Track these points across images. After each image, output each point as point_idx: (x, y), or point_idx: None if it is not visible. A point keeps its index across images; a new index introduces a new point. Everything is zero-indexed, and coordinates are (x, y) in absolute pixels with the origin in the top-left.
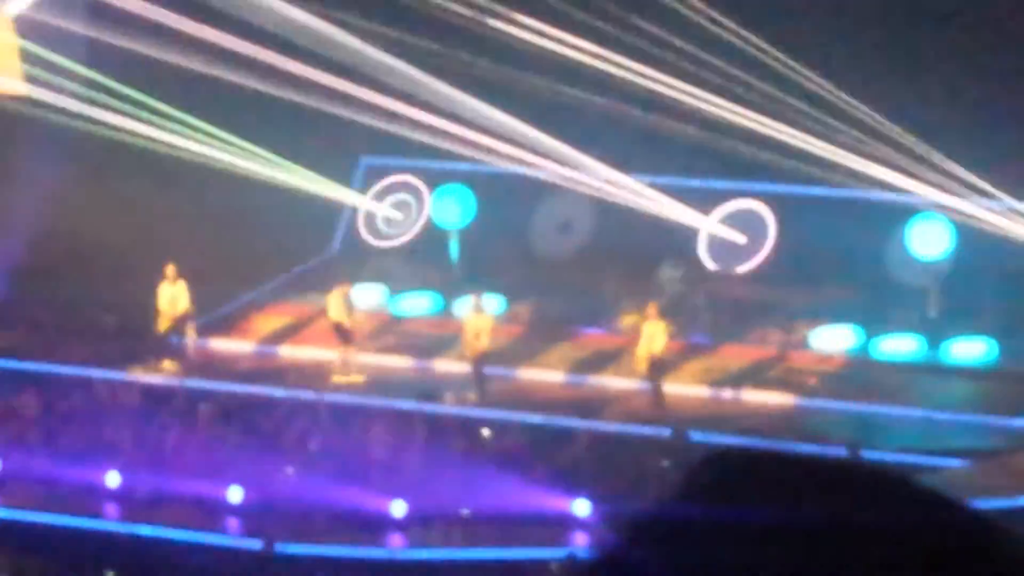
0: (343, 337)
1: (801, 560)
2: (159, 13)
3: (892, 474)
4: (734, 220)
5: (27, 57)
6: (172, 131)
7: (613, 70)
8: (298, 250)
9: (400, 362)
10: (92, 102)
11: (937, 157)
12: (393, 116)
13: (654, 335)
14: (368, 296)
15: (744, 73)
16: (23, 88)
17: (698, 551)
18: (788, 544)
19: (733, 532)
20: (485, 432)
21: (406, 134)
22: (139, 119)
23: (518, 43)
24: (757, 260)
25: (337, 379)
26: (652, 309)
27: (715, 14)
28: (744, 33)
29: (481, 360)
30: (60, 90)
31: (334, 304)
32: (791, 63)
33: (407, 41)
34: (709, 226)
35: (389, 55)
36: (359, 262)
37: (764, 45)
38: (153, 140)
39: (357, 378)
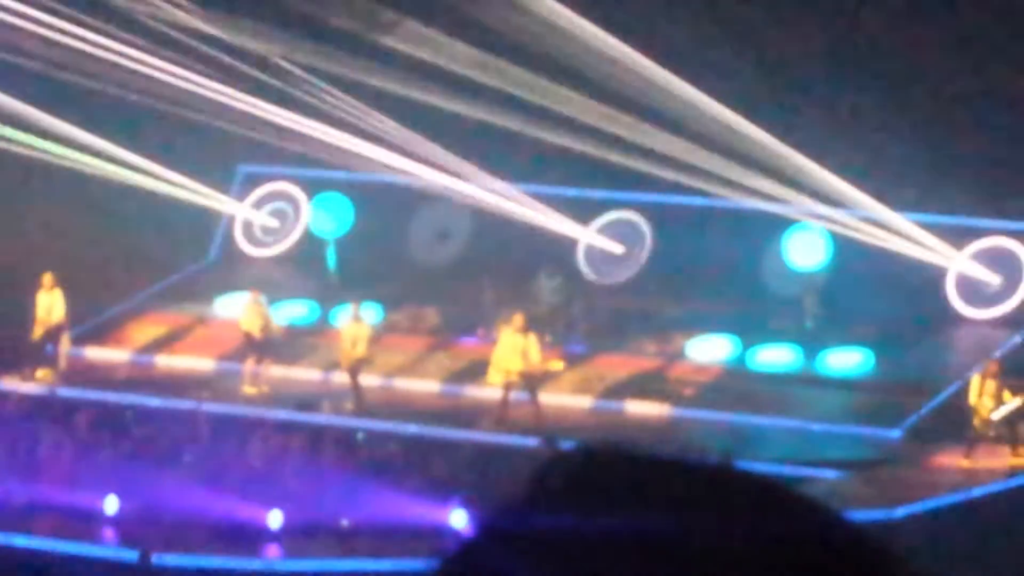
0: (254, 348)
1: (665, 569)
2: (28, 13)
3: (767, 482)
4: (612, 230)
5: None
6: (46, 138)
7: (491, 78)
8: (174, 258)
9: (277, 371)
10: None
11: (813, 167)
12: (270, 124)
13: (524, 347)
14: (245, 306)
15: (622, 82)
16: None
17: (554, 552)
18: (649, 550)
19: (592, 534)
20: (359, 436)
21: (283, 143)
22: (11, 126)
23: (397, 49)
24: (634, 270)
25: (248, 390)
26: (518, 320)
27: (589, 22)
28: (620, 40)
29: (357, 369)
30: None
31: (246, 314)
32: (666, 72)
33: (289, 47)
34: (587, 236)
35: (269, 62)
36: (236, 271)
37: (639, 53)
38: (27, 147)
39: (265, 389)
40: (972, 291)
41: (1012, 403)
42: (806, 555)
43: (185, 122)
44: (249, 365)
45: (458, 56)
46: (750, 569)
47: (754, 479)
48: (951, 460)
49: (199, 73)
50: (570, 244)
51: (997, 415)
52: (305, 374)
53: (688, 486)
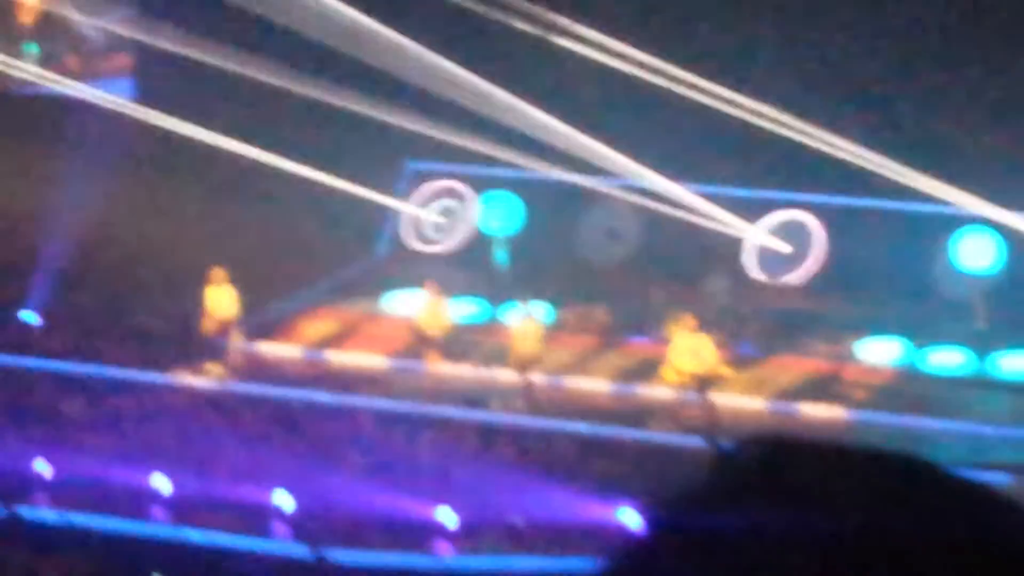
0: (429, 345)
1: (853, 564)
2: (208, 21)
3: (958, 478)
4: (782, 231)
5: (78, 61)
6: (220, 136)
7: (661, 79)
8: (342, 254)
9: (449, 369)
10: (143, 105)
11: (985, 169)
12: (440, 120)
13: (696, 347)
14: (415, 303)
15: (790, 81)
16: (75, 91)
17: (728, 552)
18: (836, 545)
19: (771, 531)
20: (530, 434)
21: (453, 139)
22: (188, 123)
23: (566, 50)
24: (804, 271)
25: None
26: (689, 321)
27: (759, 24)
28: (790, 40)
29: (527, 367)
30: (110, 94)
31: (426, 310)
32: (838, 71)
33: (455, 45)
34: (756, 236)
35: (438, 59)
36: (404, 267)
37: (810, 53)
38: (200, 145)
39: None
40: None
41: None
42: (1003, 551)
43: (354, 118)
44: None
45: (626, 57)
46: (945, 565)
47: (947, 474)
48: None
49: (368, 71)
50: (739, 244)
51: None
52: (475, 371)
53: (874, 479)
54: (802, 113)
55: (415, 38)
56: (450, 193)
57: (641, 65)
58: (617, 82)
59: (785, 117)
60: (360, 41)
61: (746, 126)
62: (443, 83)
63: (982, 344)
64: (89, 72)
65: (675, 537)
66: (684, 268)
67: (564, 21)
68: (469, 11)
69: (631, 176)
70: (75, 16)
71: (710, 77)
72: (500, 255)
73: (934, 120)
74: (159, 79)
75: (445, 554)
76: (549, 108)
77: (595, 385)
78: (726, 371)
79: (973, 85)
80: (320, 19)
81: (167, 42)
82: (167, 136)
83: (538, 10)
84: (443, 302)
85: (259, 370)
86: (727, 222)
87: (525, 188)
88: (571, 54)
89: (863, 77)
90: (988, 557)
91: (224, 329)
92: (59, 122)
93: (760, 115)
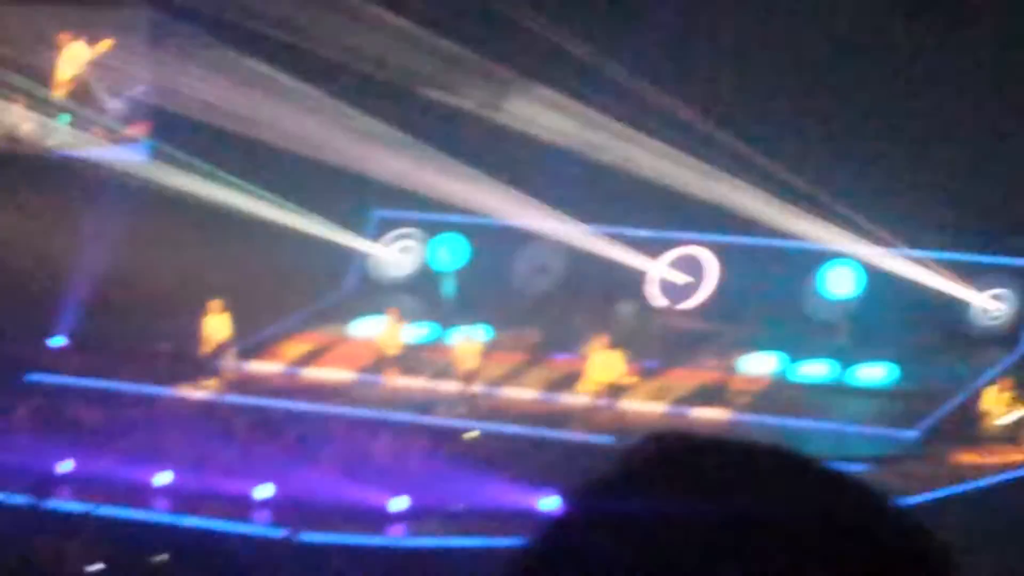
0: (388, 362)
1: (731, 543)
2: (210, 81)
3: (822, 465)
4: (680, 264)
5: (100, 130)
6: (218, 191)
7: (579, 143)
8: (316, 288)
9: (404, 382)
10: (154, 165)
11: (848, 211)
12: (401, 177)
13: (609, 362)
14: (377, 327)
15: (692, 138)
16: (97, 154)
17: (634, 528)
18: (719, 526)
19: (667, 512)
20: (470, 435)
21: (411, 191)
22: (191, 180)
23: (503, 123)
24: (698, 298)
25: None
26: (603, 340)
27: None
28: (691, 98)
29: (469, 379)
30: (125, 157)
31: (384, 333)
32: (733, 129)
33: (416, 125)
34: (658, 269)
35: (396, 128)
36: (370, 297)
37: (710, 111)
38: (203, 199)
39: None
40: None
41: (1018, 412)
42: (866, 531)
43: (331, 172)
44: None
45: (553, 129)
46: (813, 541)
47: (811, 462)
48: (962, 457)
49: (343, 130)
50: (643, 276)
51: (1005, 420)
52: (423, 384)
53: (755, 468)
54: (698, 161)
55: (384, 119)
56: (407, 236)
57: (564, 134)
58: (544, 145)
59: (684, 167)
60: (334, 120)
61: (652, 177)
62: (405, 153)
63: (843, 357)
64: (109, 138)
65: (589, 517)
66: (599, 297)
67: (498, 99)
68: (423, 97)
69: (556, 221)
70: (99, 93)
71: (619, 137)
72: (447, 287)
73: (807, 168)
74: (166, 142)
75: (398, 535)
76: (490, 168)
77: (525, 394)
78: (633, 381)
79: (839, 141)
80: (308, 91)
81: (173, 110)
82: (175, 191)
83: (478, 90)
84: (400, 326)
85: (247, 384)
86: (634, 258)
87: (469, 231)
88: (506, 125)
89: (752, 135)
90: (847, 532)
91: (219, 350)
92: (84, 180)
93: (662, 166)
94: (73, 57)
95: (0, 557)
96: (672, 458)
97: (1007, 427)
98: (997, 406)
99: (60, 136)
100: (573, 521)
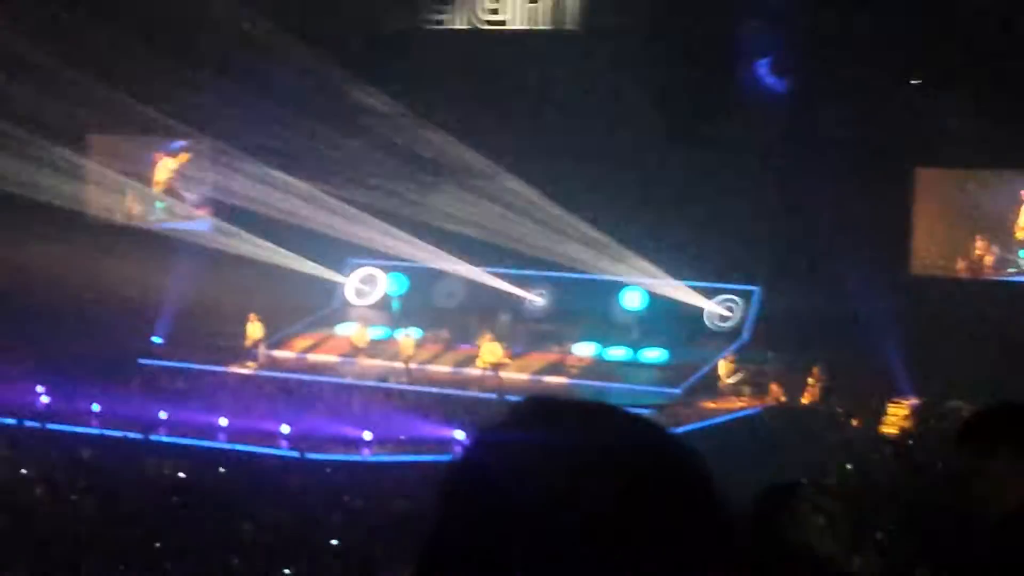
0: (359, 351)
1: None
2: (245, 183)
3: (625, 413)
4: (537, 290)
5: (182, 209)
6: (250, 247)
7: (472, 201)
8: (313, 304)
9: (369, 362)
10: (214, 233)
11: (637, 255)
12: (366, 238)
13: (493, 349)
14: (352, 329)
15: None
16: (181, 226)
17: (519, 455)
18: (559, 451)
19: (541, 444)
20: (404, 393)
21: (371, 247)
22: (235, 240)
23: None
24: (548, 311)
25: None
26: (488, 336)
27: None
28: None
29: (408, 360)
30: (194, 228)
31: (356, 333)
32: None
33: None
34: (526, 293)
35: (363, 208)
36: (347, 312)
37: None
38: (241, 253)
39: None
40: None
41: (737, 376)
42: (653, 448)
43: (322, 236)
44: (360, 361)
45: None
46: (625, 455)
47: (618, 409)
48: (706, 404)
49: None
50: (519, 298)
51: (730, 381)
52: (381, 363)
53: (590, 413)
54: (559, 209)
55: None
56: (370, 275)
57: (464, 200)
58: (454, 202)
59: (542, 221)
60: (327, 205)
61: (524, 233)
62: (368, 224)
63: (635, 345)
64: (186, 217)
65: (492, 447)
66: (487, 310)
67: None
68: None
69: (458, 263)
70: (179, 189)
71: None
72: (395, 304)
73: (613, 228)
74: (221, 219)
75: (367, 454)
76: (417, 229)
77: (442, 369)
78: (507, 361)
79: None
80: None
81: (224, 200)
82: (225, 249)
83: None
84: (366, 328)
85: (273, 364)
86: (510, 287)
87: (407, 271)
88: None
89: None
90: (644, 448)
91: (256, 344)
92: (171, 241)
93: (527, 227)
94: (164, 166)
95: (124, 472)
96: (542, 410)
97: (731, 385)
98: (726, 373)
99: (158, 214)
100: (483, 449)
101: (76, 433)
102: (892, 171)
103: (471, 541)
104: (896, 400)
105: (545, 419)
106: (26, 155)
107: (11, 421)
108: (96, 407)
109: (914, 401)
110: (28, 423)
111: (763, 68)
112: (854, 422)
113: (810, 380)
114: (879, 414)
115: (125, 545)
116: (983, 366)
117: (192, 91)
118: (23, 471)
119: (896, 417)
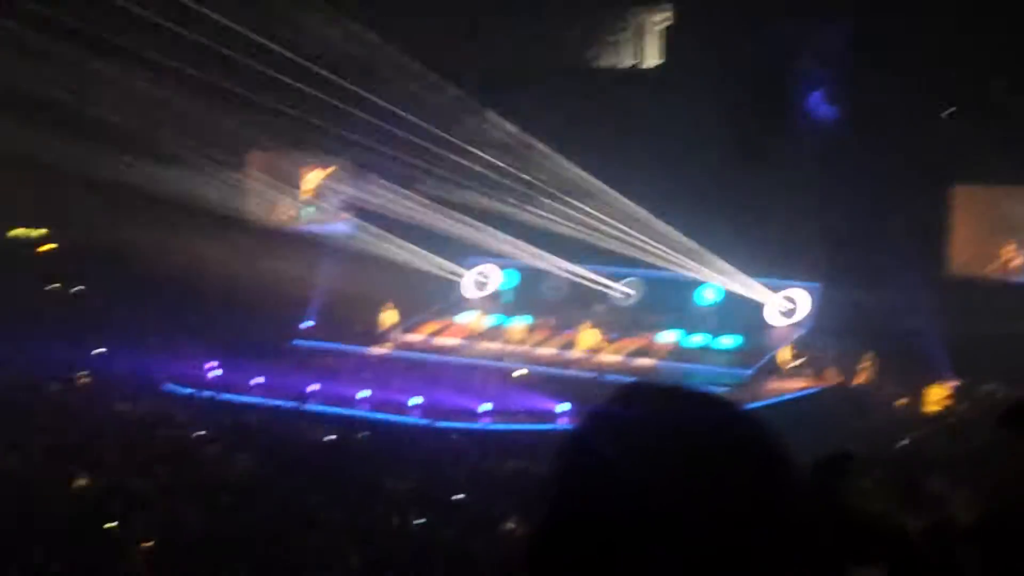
0: (480, 336)
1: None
2: (376, 192)
3: (710, 394)
4: (628, 285)
5: (328, 212)
6: (389, 247)
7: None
8: (441, 297)
9: (486, 345)
10: (356, 235)
11: (712, 256)
12: (487, 237)
13: (591, 335)
14: (471, 317)
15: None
16: (327, 227)
17: (627, 432)
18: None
19: (644, 422)
20: (519, 373)
21: (490, 248)
22: (375, 240)
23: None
24: (636, 301)
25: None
26: (587, 324)
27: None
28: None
29: (520, 344)
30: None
31: (476, 320)
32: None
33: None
34: (616, 286)
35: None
36: (463, 304)
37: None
38: (380, 252)
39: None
40: (780, 313)
41: (799, 359)
42: (734, 419)
43: (450, 238)
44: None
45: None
46: (718, 429)
47: (701, 391)
48: (774, 384)
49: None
50: (613, 292)
51: (792, 365)
52: (496, 346)
53: (680, 394)
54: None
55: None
56: (487, 271)
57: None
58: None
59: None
60: (451, 213)
61: (616, 235)
62: (487, 231)
63: (712, 332)
64: (331, 220)
65: (597, 424)
66: (588, 302)
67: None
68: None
69: (562, 261)
70: (326, 196)
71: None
72: (507, 296)
73: (695, 232)
74: (362, 221)
75: (486, 423)
76: (529, 230)
77: (549, 351)
78: (604, 345)
79: (705, 215)
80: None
81: (363, 205)
82: (367, 248)
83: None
84: (484, 316)
85: (405, 346)
86: (606, 283)
87: (518, 268)
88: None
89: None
90: (727, 421)
91: (391, 328)
92: (320, 241)
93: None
94: (312, 177)
95: (281, 436)
96: (642, 392)
97: (794, 368)
98: (790, 358)
99: (307, 218)
100: (594, 423)
101: (242, 402)
102: (934, 185)
103: (583, 504)
104: (937, 383)
105: (645, 399)
106: (202, 171)
107: (189, 391)
108: (258, 380)
109: (953, 383)
110: (202, 393)
111: (821, 97)
112: (902, 401)
113: (863, 365)
114: (923, 394)
115: (282, 495)
116: (1014, 355)
117: (339, 115)
118: (199, 432)
119: (938, 397)
